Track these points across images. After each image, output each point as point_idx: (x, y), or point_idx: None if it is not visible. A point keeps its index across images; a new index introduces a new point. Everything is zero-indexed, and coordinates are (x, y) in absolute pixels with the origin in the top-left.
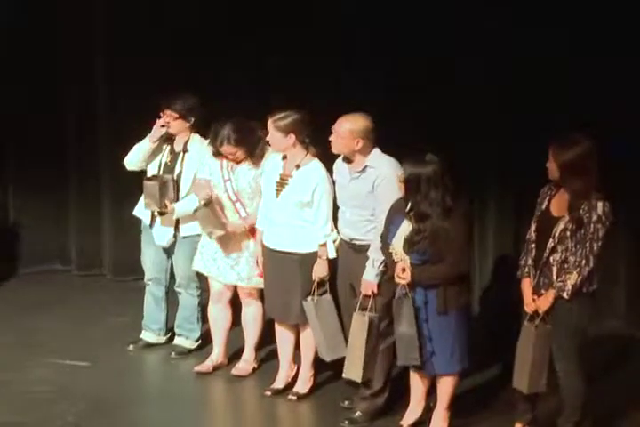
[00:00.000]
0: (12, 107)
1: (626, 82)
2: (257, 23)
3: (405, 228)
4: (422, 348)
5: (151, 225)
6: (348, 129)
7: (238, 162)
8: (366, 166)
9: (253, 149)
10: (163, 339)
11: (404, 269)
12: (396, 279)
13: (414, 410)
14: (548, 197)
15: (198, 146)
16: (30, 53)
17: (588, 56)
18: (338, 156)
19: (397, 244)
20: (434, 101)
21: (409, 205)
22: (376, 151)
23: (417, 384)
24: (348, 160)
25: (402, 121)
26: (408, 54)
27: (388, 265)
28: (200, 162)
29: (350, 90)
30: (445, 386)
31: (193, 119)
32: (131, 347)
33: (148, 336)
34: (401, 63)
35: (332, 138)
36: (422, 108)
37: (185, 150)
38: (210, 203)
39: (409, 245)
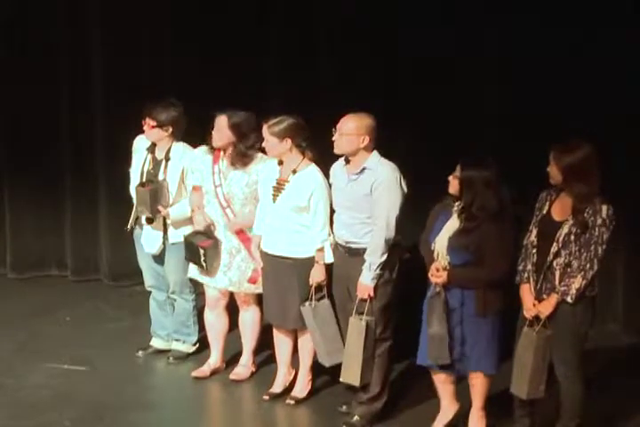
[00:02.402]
0: (7, 108)
1: (626, 82)
2: (256, 23)
3: (450, 227)
4: (452, 349)
5: (132, 231)
6: (353, 126)
7: (220, 149)
8: (364, 168)
9: (244, 139)
10: (171, 344)
11: (438, 269)
12: (431, 278)
13: (446, 413)
14: (548, 202)
15: (181, 154)
16: (27, 53)
17: (587, 56)
18: (335, 159)
19: (440, 243)
20: (434, 101)
21: (458, 204)
22: (375, 154)
23: (442, 386)
24: (347, 161)
25: (401, 121)
26: (408, 54)
27: (426, 263)
28: (190, 168)
29: (350, 90)
30: (478, 386)
31: (171, 129)
32: (140, 353)
33: (156, 343)
34: (400, 63)
35: (335, 137)
36: (422, 109)
37: (167, 158)
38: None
39: (457, 244)
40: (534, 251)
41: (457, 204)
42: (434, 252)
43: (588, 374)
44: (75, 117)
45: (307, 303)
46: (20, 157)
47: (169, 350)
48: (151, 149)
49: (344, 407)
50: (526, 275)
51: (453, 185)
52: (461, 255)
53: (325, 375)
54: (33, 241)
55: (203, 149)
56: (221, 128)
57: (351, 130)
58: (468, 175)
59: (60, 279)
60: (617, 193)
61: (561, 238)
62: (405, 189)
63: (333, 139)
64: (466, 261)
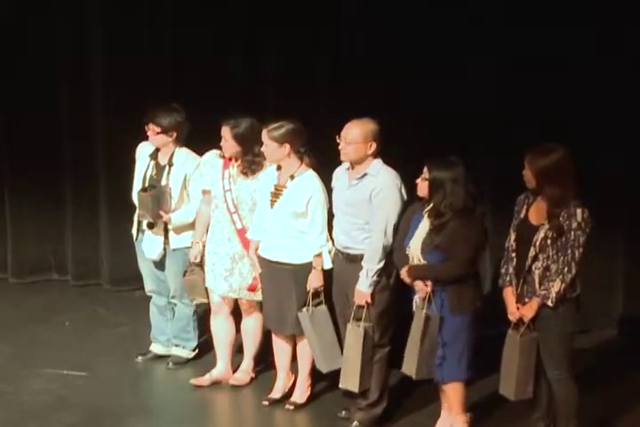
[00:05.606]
0: (7, 108)
1: (627, 82)
2: (255, 23)
3: (422, 229)
4: (431, 355)
5: (136, 238)
6: (359, 134)
7: (230, 158)
8: (366, 174)
9: (250, 149)
10: (171, 350)
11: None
12: (405, 280)
13: (445, 419)
14: (525, 206)
15: (184, 159)
16: (27, 53)
17: (588, 56)
18: (335, 165)
19: (414, 245)
20: (434, 101)
21: (429, 204)
22: (378, 161)
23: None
24: (352, 166)
25: (401, 121)
26: (408, 54)
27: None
28: (200, 172)
29: (349, 90)
30: (453, 394)
31: (175, 134)
32: (139, 359)
33: (156, 348)
34: (400, 63)
35: (341, 146)
36: (422, 108)
37: (170, 164)
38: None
39: (429, 243)
40: (514, 255)
41: (426, 205)
42: (408, 256)
43: (585, 376)
44: (75, 118)
45: (304, 309)
46: (20, 160)
47: (168, 356)
48: (154, 155)
49: (343, 413)
50: (508, 278)
51: (422, 187)
52: (435, 255)
53: (325, 381)
54: (33, 245)
55: (214, 152)
56: (227, 139)
57: (357, 138)
58: (437, 176)
59: (60, 284)
60: (616, 194)
61: (538, 243)
62: (405, 197)
63: (340, 147)
64: (440, 261)
